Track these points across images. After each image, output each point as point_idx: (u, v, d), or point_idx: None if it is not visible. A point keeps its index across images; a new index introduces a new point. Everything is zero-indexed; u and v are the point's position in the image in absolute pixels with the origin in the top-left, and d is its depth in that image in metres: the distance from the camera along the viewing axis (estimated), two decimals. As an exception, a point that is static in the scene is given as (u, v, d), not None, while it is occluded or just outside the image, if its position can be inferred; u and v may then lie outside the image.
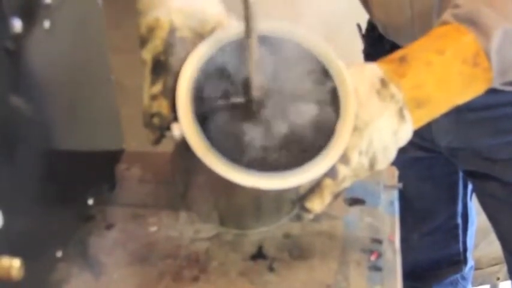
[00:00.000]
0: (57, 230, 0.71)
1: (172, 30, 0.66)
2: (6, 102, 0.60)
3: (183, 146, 0.63)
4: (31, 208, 0.65)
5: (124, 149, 0.87)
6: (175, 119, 0.64)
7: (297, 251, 0.77)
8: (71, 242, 0.75)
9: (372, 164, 0.68)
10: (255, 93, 0.65)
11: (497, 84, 0.73)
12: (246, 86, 0.65)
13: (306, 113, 0.66)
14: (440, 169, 1.22)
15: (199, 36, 0.68)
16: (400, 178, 0.87)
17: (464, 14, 0.70)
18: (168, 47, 0.66)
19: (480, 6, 0.70)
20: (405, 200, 0.88)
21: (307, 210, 0.69)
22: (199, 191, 0.77)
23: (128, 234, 0.80)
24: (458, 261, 1.35)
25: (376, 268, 0.74)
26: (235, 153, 0.63)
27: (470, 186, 1.26)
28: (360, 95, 0.67)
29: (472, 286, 1.46)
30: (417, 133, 0.70)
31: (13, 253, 0.58)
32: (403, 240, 0.80)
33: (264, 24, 0.65)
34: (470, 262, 1.37)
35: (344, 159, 0.66)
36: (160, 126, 0.67)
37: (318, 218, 0.78)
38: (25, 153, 0.63)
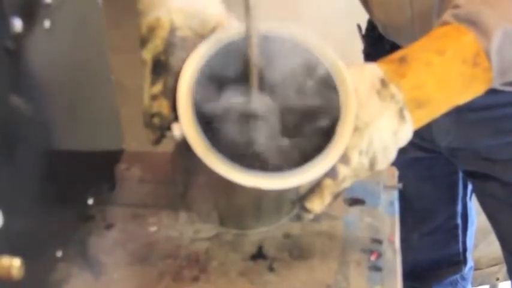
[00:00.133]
0: (57, 229, 0.71)
1: (172, 30, 0.66)
2: (6, 102, 0.60)
3: (184, 146, 0.63)
4: (31, 208, 0.65)
5: (124, 149, 0.87)
6: (175, 119, 0.64)
7: (297, 251, 0.77)
8: (71, 242, 0.75)
9: (372, 164, 0.68)
10: (255, 93, 0.65)
11: (497, 85, 0.73)
12: (246, 85, 0.65)
13: (306, 112, 0.66)
14: (440, 169, 1.22)
15: (200, 36, 0.68)
16: (400, 178, 0.87)
17: (464, 14, 0.70)
18: (168, 46, 0.66)
19: (480, 6, 0.70)
20: (405, 200, 0.88)
21: (307, 210, 0.69)
22: (199, 191, 0.77)
23: (127, 234, 0.80)
24: (457, 261, 1.35)
25: (376, 268, 0.74)
26: (235, 153, 0.63)
27: (470, 187, 1.27)
28: (360, 95, 0.67)
29: (472, 286, 1.46)
30: (417, 133, 0.70)
31: (13, 253, 0.58)
32: (403, 240, 0.80)
33: (264, 24, 0.65)
34: (470, 262, 1.37)
35: (344, 159, 0.66)
36: (161, 126, 0.67)
37: (318, 218, 0.78)
38: (25, 153, 0.63)
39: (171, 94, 0.66)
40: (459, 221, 1.30)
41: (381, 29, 1.08)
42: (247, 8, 0.61)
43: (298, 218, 0.75)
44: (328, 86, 0.67)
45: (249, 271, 0.74)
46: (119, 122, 0.85)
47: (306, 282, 0.73)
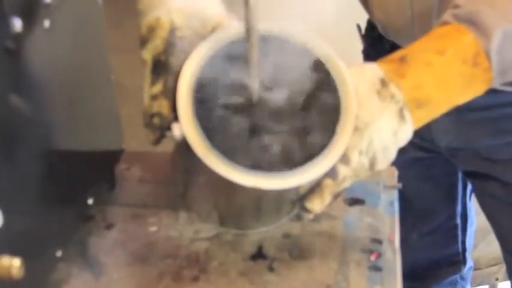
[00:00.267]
0: (57, 229, 0.71)
1: (172, 30, 0.66)
2: (6, 101, 0.59)
3: (184, 146, 0.63)
4: (31, 208, 0.65)
5: (124, 148, 0.87)
6: (175, 118, 0.64)
7: (297, 251, 0.77)
8: (71, 241, 0.75)
9: (372, 164, 0.68)
10: (255, 93, 0.65)
11: (497, 85, 0.73)
12: (247, 86, 0.65)
13: (306, 113, 0.66)
14: (440, 169, 1.22)
15: (200, 36, 0.68)
16: (400, 178, 0.87)
17: (464, 14, 0.70)
18: (168, 46, 0.66)
19: (480, 6, 0.70)
20: (405, 200, 0.88)
21: (307, 210, 0.69)
22: (199, 191, 0.77)
23: (127, 234, 0.80)
24: (457, 261, 1.35)
25: (376, 268, 0.74)
26: (235, 153, 0.63)
27: (469, 187, 1.27)
28: (360, 95, 0.67)
29: (471, 286, 1.46)
30: (417, 133, 0.70)
31: (13, 252, 0.58)
32: (403, 240, 0.80)
33: (264, 24, 0.65)
34: (469, 262, 1.37)
35: (344, 159, 0.66)
36: (161, 126, 0.67)
37: (317, 218, 0.78)
38: (25, 153, 0.63)
39: (171, 94, 0.66)
40: (459, 221, 1.30)
41: (380, 29, 1.08)
42: (247, 8, 0.61)
43: (298, 218, 0.75)
44: (328, 86, 0.67)
45: (249, 271, 0.74)
46: (119, 122, 0.85)
47: (306, 282, 0.73)
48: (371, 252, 0.76)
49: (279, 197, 0.71)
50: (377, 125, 0.67)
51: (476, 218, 1.33)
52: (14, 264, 0.58)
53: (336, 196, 0.68)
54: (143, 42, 0.68)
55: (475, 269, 1.51)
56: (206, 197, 0.77)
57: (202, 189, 0.75)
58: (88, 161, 0.77)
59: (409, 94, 0.68)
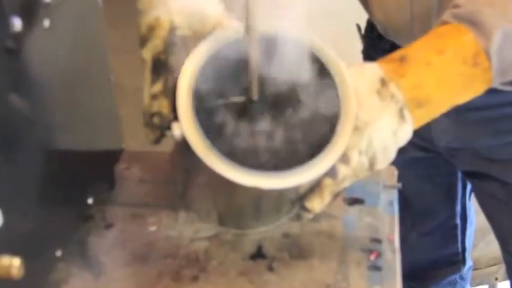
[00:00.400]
0: (56, 229, 0.71)
1: (172, 30, 0.67)
2: (6, 101, 0.59)
3: (183, 145, 0.63)
4: (31, 208, 0.65)
5: (123, 148, 0.87)
6: (175, 118, 0.64)
7: (297, 251, 0.77)
8: (71, 241, 0.75)
9: (371, 164, 0.68)
10: (255, 92, 0.65)
11: (497, 84, 0.73)
12: (246, 85, 0.65)
13: (306, 112, 0.66)
14: (440, 169, 1.22)
15: (200, 35, 0.68)
16: (400, 178, 0.87)
17: (464, 14, 0.70)
18: (168, 46, 0.66)
19: (480, 6, 0.70)
20: (404, 199, 0.88)
21: (307, 210, 0.69)
22: (199, 191, 0.77)
23: (127, 234, 0.80)
24: (456, 261, 1.35)
25: (375, 268, 0.74)
26: (235, 153, 0.63)
27: (469, 187, 1.27)
28: (360, 94, 0.67)
29: (471, 286, 1.46)
30: (417, 133, 0.70)
31: (13, 252, 0.58)
32: (402, 240, 0.80)
33: (264, 24, 0.65)
34: (469, 262, 1.37)
35: (344, 158, 0.66)
36: (161, 125, 0.67)
37: (317, 217, 0.78)
38: (25, 153, 0.63)
39: (171, 93, 0.66)
40: (458, 221, 1.31)
41: (380, 29, 1.08)
42: (247, 8, 0.61)
43: (298, 217, 0.75)
44: (328, 85, 0.67)
45: (249, 271, 0.74)
46: (119, 122, 0.85)
47: (306, 282, 0.73)
48: (371, 251, 0.76)
49: (278, 196, 0.71)
50: (377, 124, 0.67)
51: (476, 217, 1.33)
52: (14, 263, 0.58)
53: (335, 196, 0.68)
54: (143, 41, 0.68)
55: (475, 268, 1.51)
56: (206, 197, 0.77)
57: (202, 189, 0.75)
58: (88, 161, 0.77)
59: (409, 94, 0.68)
